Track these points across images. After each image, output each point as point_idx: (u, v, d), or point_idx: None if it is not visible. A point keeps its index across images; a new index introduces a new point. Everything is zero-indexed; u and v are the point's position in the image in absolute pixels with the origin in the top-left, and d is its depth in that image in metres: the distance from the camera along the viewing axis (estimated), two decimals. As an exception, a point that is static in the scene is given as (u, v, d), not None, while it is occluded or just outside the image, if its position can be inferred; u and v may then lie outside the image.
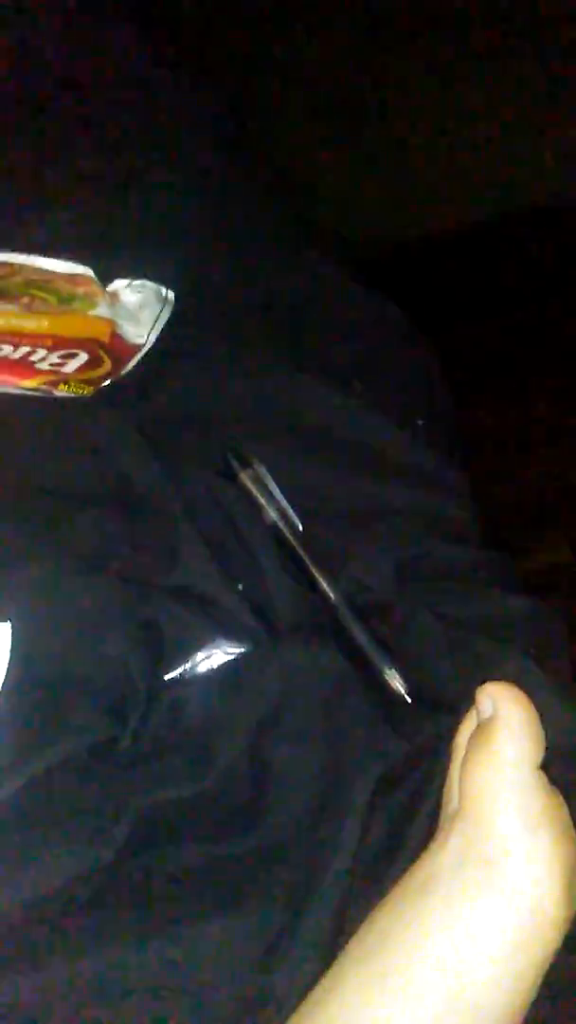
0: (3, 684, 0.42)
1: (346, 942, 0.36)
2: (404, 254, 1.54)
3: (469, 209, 1.58)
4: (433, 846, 0.37)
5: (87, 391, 0.54)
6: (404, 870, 0.37)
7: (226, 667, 0.45)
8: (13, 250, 0.69)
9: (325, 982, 0.35)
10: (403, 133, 1.54)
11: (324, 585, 0.49)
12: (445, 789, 0.39)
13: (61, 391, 0.53)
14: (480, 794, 0.35)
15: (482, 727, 0.37)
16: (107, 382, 0.56)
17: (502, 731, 0.36)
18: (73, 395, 0.54)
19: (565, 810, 0.36)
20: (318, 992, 0.35)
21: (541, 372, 1.41)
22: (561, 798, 0.36)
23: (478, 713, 0.38)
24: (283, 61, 1.48)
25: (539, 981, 0.34)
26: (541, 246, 1.55)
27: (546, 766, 0.38)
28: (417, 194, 1.57)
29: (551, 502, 1.31)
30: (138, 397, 0.57)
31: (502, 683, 0.37)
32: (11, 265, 0.67)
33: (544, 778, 0.36)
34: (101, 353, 0.57)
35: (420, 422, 0.66)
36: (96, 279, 0.66)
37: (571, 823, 0.36)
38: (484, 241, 1.58)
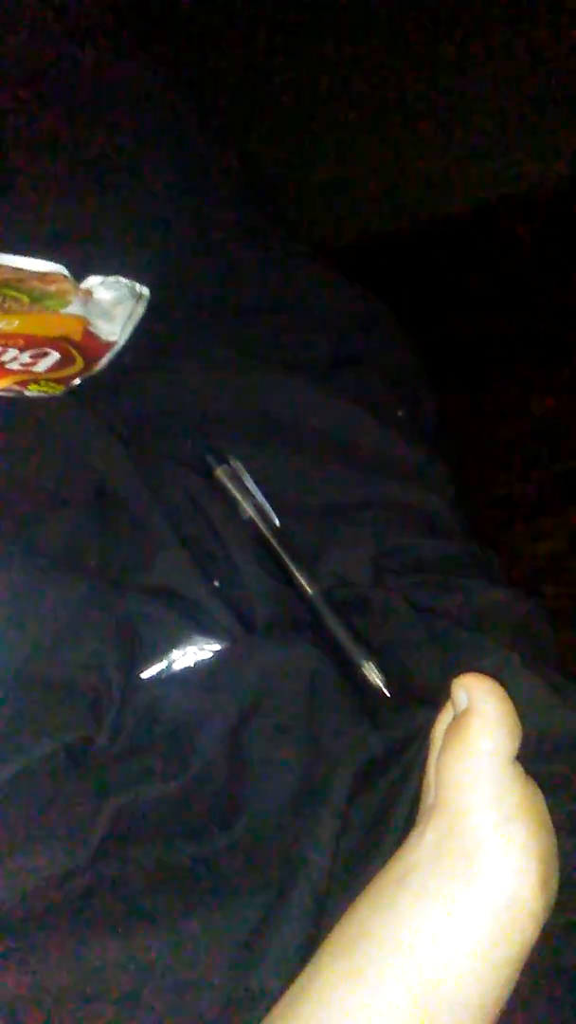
0: (-23, 687, 0.42)
1: (326, 935, 0.36)
2: (399, 243, 1.54)
3: (463, 196, 1.57)
4: (410, 839, 0.36)
5: (58, 390, 0.54)
6: (384, 863, 0.37)
7: (203, 664, 0.45)
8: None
9: (304, 976, 0.35)
10: (397, 121, 1.54)
11: (301, 580, 0.49)
12: (424, 782, 0.39)
13: (32, 391, 0.53)
14: (455, 786, 0.35)
15: (457, 719, 0.37)
16: (78, 380, 0.55)
17: (476, 723, 0.36)
18: (44, 394, 0.53)
19: (541, 801, 0.36)
20: (298, 986, 0.35)
21: (540, 359, 1.41)
22: (537, 789, 0.36)
23: (453, 705, 0.38)
24: (279, 53, 1.47)
25: (517, 973, 0.34)
26: (536, 232, 1.54)
27: (526, 756, 0.38)
28: (412, 182, 1.56)
29: (550, 491, 1.31)
30: (112, 394, 0.57)
31: (477, 675, 0.37)
32: (-16, 265, 0.66)
33: (520, 769, 0.36)
34: (73, 351, 0.57)
35: (401, 413, 0.66)
36: (70, 276, 0.66)
37: (548, 814, 0.36)
38: (480, 229, 1.58)
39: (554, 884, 0.35)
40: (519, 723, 0.37)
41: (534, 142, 1.56)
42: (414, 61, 1.51)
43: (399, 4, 1.45)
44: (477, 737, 0.35)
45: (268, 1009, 0.35)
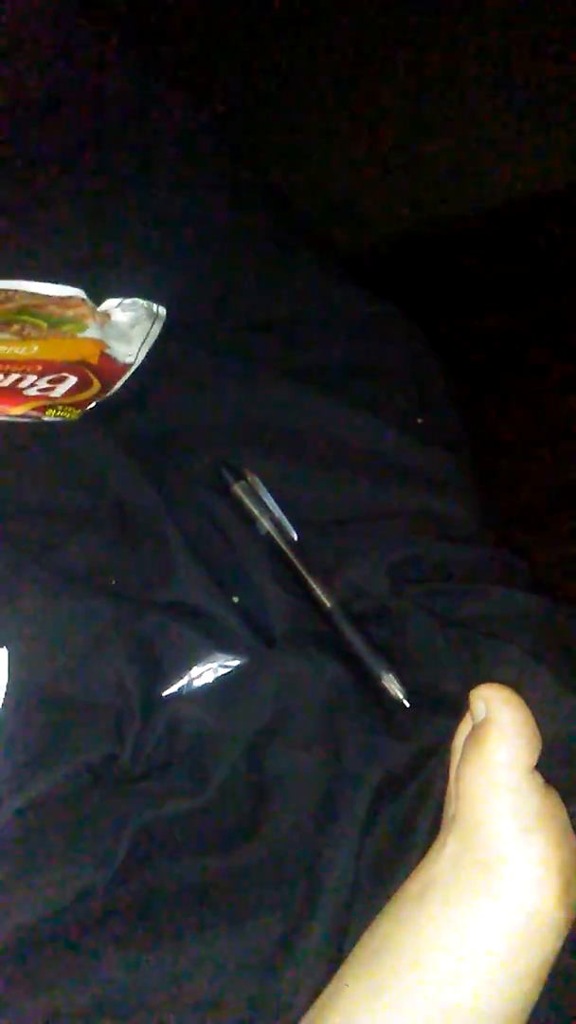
0: (1, 708, 0.43)
1: (350, 950, 0.36)
2: (414, 246, 1.54)
3: (476, 199, 1.56)
4: (431, 852, 0.36)
5: (74, 414, 0.55)
6: (407, 876, 0.37)
7: (223, 680, 0.45)
8: (7, 276, 0.70)
9: (328, 992, 0.35)
10: (409, 122, 1.53)
11: (319, 593, 0.49)
12: (446, 793, 0.39)
13: (49, 416, 0.54)
14: (474, 798, 0.35)
15: (475, 730, 0.37)
16: (93, 403, 0.56)
17: (494, 734, 0.36)
18: (61, 419, 0.54)
19: (562, 811, 0.36)
20: (321, 1001, 0.35)
21: (555, 359, 1.40)
22: (558, 799, 0.36)
23: (472, 716, 0.38)
24: (286, 56, 1.47)
25: (541, 984, 0.33)
26: (551, 235, 1.53)
27: (549, 763, 0.37)
28: (432, 181, 1.55)
29: (568, 491, 1.29)
30: (129, 415, 0.57)
31: (495, 685, 0.37)
32: (5, 292, 0.68)
33: (539, 779, 0.36)
34: (90, 375, 0.57)
35: (420, 420, 0.66)
36: (88, 300, 0.67)
37: (569, 824, 0.36)
38: (493, 231, 1.57)
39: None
40: (538, 733, 0.36)
41: (560, 137, 1.54)
42: (428, 60, 1.50)
43: (409, 9, 1.45)
44: (495, 748, 0.35)
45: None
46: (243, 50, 1.45)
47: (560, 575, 1.16)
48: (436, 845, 0.36)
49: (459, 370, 0.78)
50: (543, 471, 1.28)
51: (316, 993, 0.36)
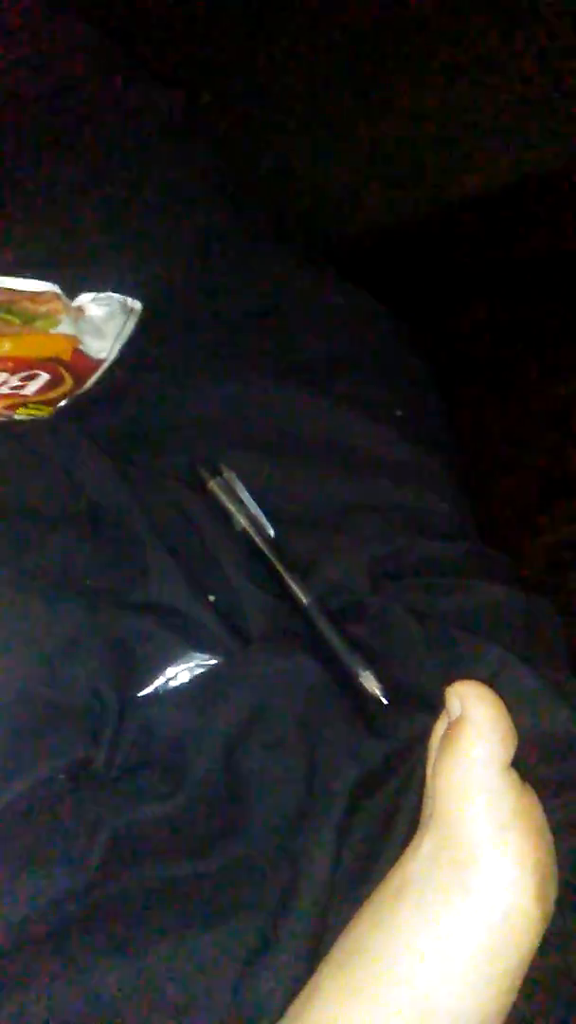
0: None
1: (327, 950, 0.36)
2: (401, 237, 1.53)
3: (463, 188, 1.55)
4: (408, 850, 0.36)
5: (46, 412, 0.54)
6: (384, 875, 0.37)
7: (199, 680, 0.45)
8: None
9: (305, 992, 0.35)
10: (402, 108, 1.52)
11: (296, 590, 0.48)
12: (423, 791, 0.39)
13: (20, 414, 0.53)
14: (449, 796, 0.35)
15: (451, 727, 0.37)
16: (64, 401, 0.55)
17: (469, 731, 0.35)
18: (32, 417, 0.54)
19: (538, 808, 0.35)
20: (299, 1002, 0.35)
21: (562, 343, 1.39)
22: (534, 796, 0.36)
23: (447, 713, 0.37)
24: (276, 45, 1.46)
25: (518, 983, 0.33)
26: (539, 223, 1.52)
27: (528, 758, 0.37)
28: (421, 169, 1.54)
29: (557, 481, 1.29)
30: (102, 411, 0.57)
31: (470, 682, 0.37)
32: (-23, 288, 0.67)
33: (515, 776, 0.35)
34: (62, 371, 0.57)
35: (399, 413, 0.65)
36: (62, 294, 0.66)
37: (545, 821, 0.35)
38: (497, 213, 1.55)
39: (552, 892, 0.34)
40: (513, 729, 0.36)
41: (549, 123, 1.53)
42: (420, 49, 1.49)
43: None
44: (470, 746, 0.35)
45: (270, 1026, 0.35)
46: (233, 38, 1.44)
47: (548, 565, 1.17)
48: (412, 844, 0.36)
49: (447, 361, 0.78)
50: (532, 462, 1.28)
51: (294, 994, 0.35)
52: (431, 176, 1.55)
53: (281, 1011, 0.35)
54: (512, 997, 0.33)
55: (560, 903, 0.35)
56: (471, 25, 1.47)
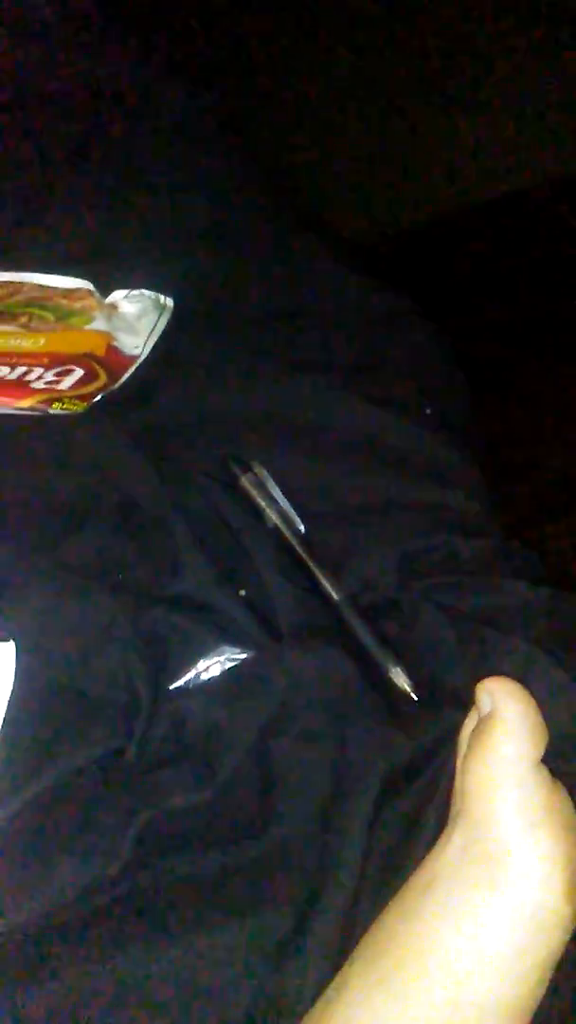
0: (8, 702, 0.43)
1: (356, 943, 0.36)
2: (418, 238, 1.53)
3: (480, 189, 1.55)
4: (437, 846, 0.36)
5: (81, 407, 0.55)
6: (413, 870, 0.37)
7: (230, 673, 0.45)
8: (14, 268, 0.70)
9: (333, 985, 0.35)
10: (421, 109, 1.52)
11: (327, 586, 0.49)
12: (453, 787, 0.39)
13: (55, 409, 0.54)
14: (479, 792, 0.35)
15: (481, 724, 0.37)
16: (99, 396, 0.56)
17: (500, 727, 0.35)
18: (67, 412, 0.54)
19: (569, 804, 0.35)
20: (327, 993, 0.35)
21: (564, 348, 1.39)
22: (564, 792, 0.36)
23: (478, 709, 0.37)
24: (290, 47, 1.46)
25: (547, 979, 0.33)
26: (557, 224, 1.51)
27: (556, 756, 0.37)
28: (429, 176, 1.54)
29: (572, 482, 1.28)
30: (135, 407, 0.57)
31: (500, 678, 0.37)
32: (12, 284, 0.68)
33: (546, 773, 0.36)
34: (96, 367, 0.57)
35: (428, 411, 0.65)
36: (95, 291, 0.67)
37: (575, 817, 0.35)
38: (498, 222, 1.55)
39: (583, 890, 0.34)
40: (544, 726, 0.36)
41: (557, 127, 1.52)
42: (434, 50, 1.49)
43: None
44: (500, 742, 0.35)
45: (298, 1017, 0.35)
46: (246, 41, 1.45)
47: (573, 564, 1.16)
48: (442, 839, 0.36)
49: (467, 362, 0.78)
50: (553, 462, 1.27)
51: (322, 986, 0.36)
52: (437, 180, 1.55)
53: (310, 1002, 0.35)
54: (541, 992, 0.33)
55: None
56: (479, 28, 1.47)
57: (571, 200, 1.53)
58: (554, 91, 1.49)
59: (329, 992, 0.35)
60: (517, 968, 0.32)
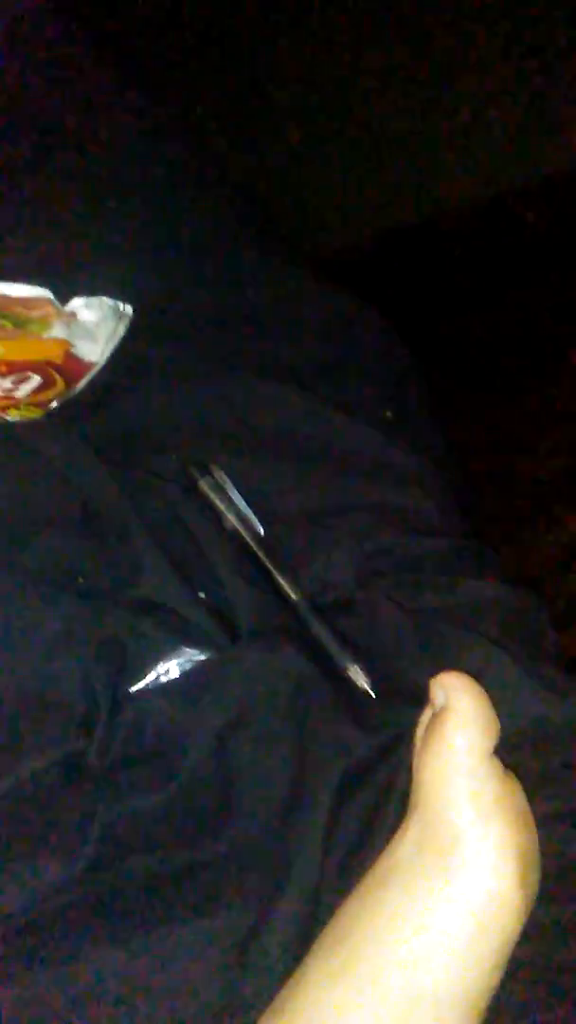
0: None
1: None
2: (397, 243, 1.53)
3: (459, 194, 1.56)
4: (394, 838, 0.37)
5: (38, 413, 0.55)
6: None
7: (189, 675, 0.46)
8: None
9: (294, 976, 0.35)
10: (394, 116, 1.53)
11: (285, 587, 0.49)
12: (411, 782, 0.39)
13: (12, 416, 0.54)
14: (433, 784, 0.36)
15: (434, 718, 0.37)
16: (55, 403, 0.56)
17: (452, 720, 0.36)
18: (24, 419, 0.54)
19: (521, 796, 0.36)
20: (288, 987, 0.35)
21: (555, 348, 1.40)
22: (517, 784, 0.37)
23: (432, 704, 0.38)
24: (276, 46, 1.46)
25: (501, 967, 0.34)
26: (547, 223, 1.53)
27: (512, 751, 0.38)
28: (416, 178, 1.55)
29: (553, 484, 1.30)
30: (95, 413, 0.57)
31: (453, 673, 0.38)
32: (-29, 293, 0.68)
33: (498, 764, 0.36)
34: (53, 374, 0.58)
35: (389, 414, 0.66)
36: (54, 300, 0.67)
37: (527, 809, 0.36)
38: (490, 221, 1.56)
39: (534, 878, 0.35)
40: (496, 719, 0.37)
41: (550, 129, 1.54)
42: (417, 54, 1.49)
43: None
44: (452, 734, 0.36)
45: (259, 1013, 0.35)
46: (230, 42, 1.45)
47: (546, 567, 1.18)
48: (399, 832, 0.37)
49: (445, 366, 0.79)
50: (527, 466, 1.29)
51: (283, 981, 0.36)
52: (428, 182, 1.56)
53: (270, 999, 0.36)
54: (495, 979, 0.34)
55: (543, 894, 0.36)
56: (472, 28, 1.48)
57: (554, 205, 1.55)
58: (544, 95, 1.51)
59: (288, 986, 0.35)
60: (471, 956, 0.33)
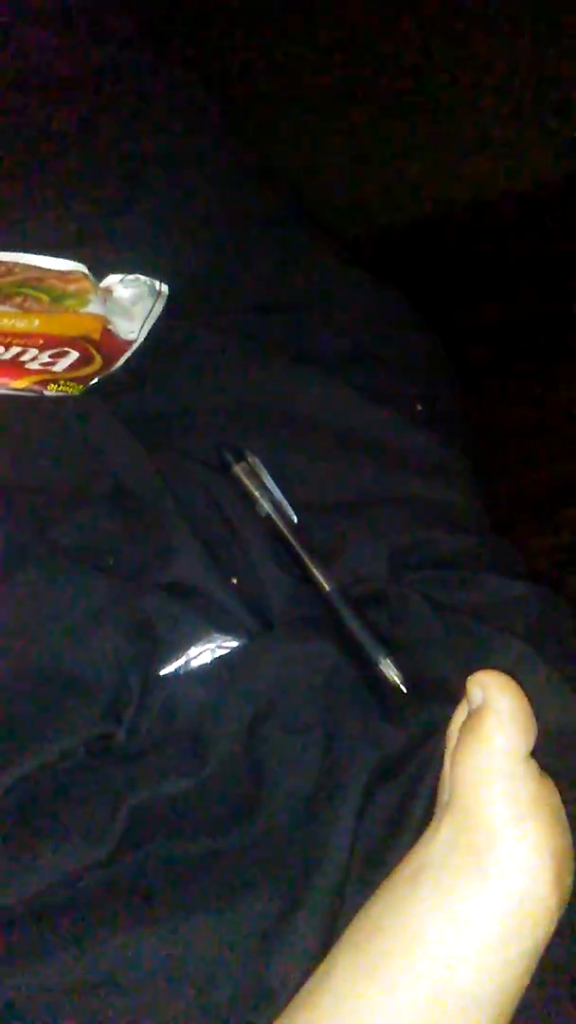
0: (-3, 684, 0.43)
1: (342, 932, 0.36)
2: (413, 235, 1.53)
3: (476, 187, 1.55)
4: (425, 835, 0.37)
5: (76, 389, 0.54)
6: (400, 860, 0.37)
7: (220, 661, 0.45)
8: (8, 248, 0.70)
9: (319, 972, 0.35)
10: (400, 112, 1.52)
11: (318, 576, 0.49)
12: (440, 778, 0.39)
13: (51, 391, 0.54)
14: (469, 783, 0.35)
15: (472, 716, 0.37)
16: (96, 379, 0.56)
17: (491, 720, 0.36)
18: (62, 394, 0.54)
19: (556, 797, 0.36)
20: (313, 981, 0.35)
21: (568, 345, 1.39)
22: (552, 785, 0.36)
23: (469, 702, 0.38)
24: (279, 46, 1.46)
25: (532, 969, 0.34)
26: (550, 225, 1.52)
27: (544, 752, 0.38)
28: (423, 173, 1.54)
29: (569, 481, 1.29)
30: (130, 392, 0.57)
31: (492, 671, 0.37)
32: (5, 264, 0.67)
33: (534, 765, 0.36)
34: (92, 350, 0.57)
35: (419, 407, 0.66)
36: (89, 275, 0.66)
37: (562, 810, 0.36)
38: (495, 219, 1.56)
39: (569, 881, 0.35)
40: (534, 719, 0.36)
41: (556, 127, 1.53)
42: (432, 46, 1.49)
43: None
44: (491, 734, 0.35)
45: (283, 1004, 0.35)
46: (242, 35, 1.44)
47: (559, 565, 1.18)
48: (430, 829, 0.37)
49: (459, 360, 0.78)
50: (543, 462, 1.28)
51: (307, 974, 0.36)
52: (437, 178, 1.55)
53: (294, 990, 0.36)
54: (525, 982, 0.33)
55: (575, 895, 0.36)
56: (476, 28, 1.47)
57: (562, 202, 1.54)
58: (551, 92, 1.50)
59: (314, 979, 0.35)
60: (503, 957, 0.33)
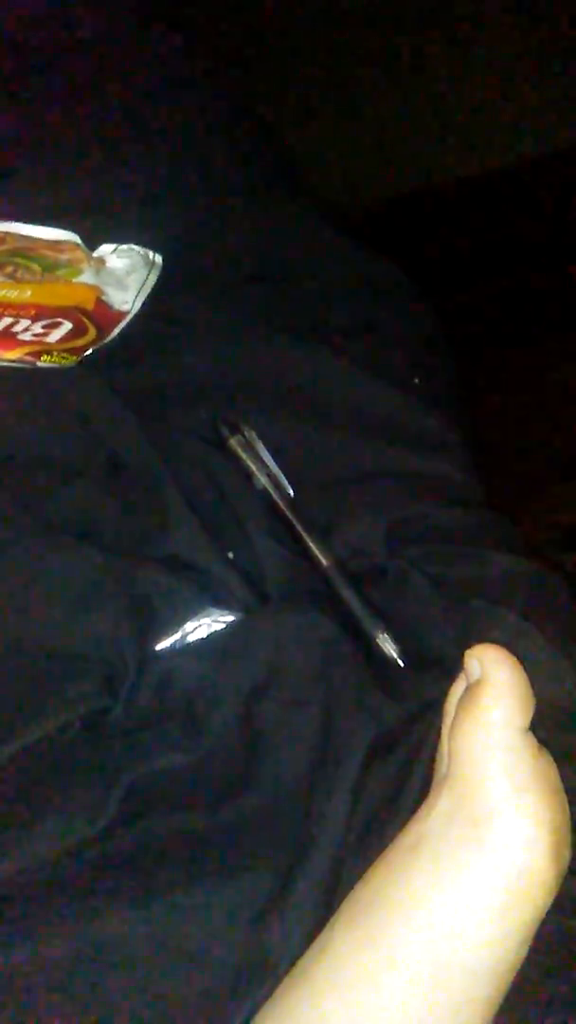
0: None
1: (339, 905, 0.37)
2: (405, 212, 1.51)
3: (470, 163, 1.54)
4: (424, 807, 0.37)
5: (70, 360, 0.54)
6: (397, 833, 0.37)
7: (217, 635, 0.45)
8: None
9: (318, 943, 0.36)
10: (400, 85, 1.50)
11: (315, 550, 0.48)
12: (437, 752, 0.39)
13: (44, 362, 0.53)
14: (467, 756, 0.35)
15: (470, 689, 0.37)
16: (90, 351, 0.55)
17: (489, 693, 0.36)
18: (56, 365, 0.53)
19: (554, 770, 0.36)
20: (311, 953, 0.35)
21: (568, 322, 1.38)
22: (550, 758, 0.36)
23: (467, 676, 0.38)
24: (273, 19, 1.44)
25: (529, 940, 0.34)
26: (545, 201, 1.51)
27: (540, 726, 0.38)
28: (416, 146, 1.53)
29: (561, 462, 1.29)
30: (125, 364, 0.56)
31: (490, 645, 0.37)
32: (-4, 234, 0.66)
33: (532, 739, 0.36)
34: (85, 321, 0.56)
35: (417, 381, 0.65)
36: (82, 245, 0.65)
37: (560, 783, 0.36)
38: (493, 192, 1.54)
39: (566, 853, 0.35)
40: (531, 693, 0.36)
41: (554, 102, 1.51)
42: (428, 20, 1.47)
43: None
44: (489, 707, 0.35)
45: (281, 976, 0.35)
46: (231, 16, 1.41)
47: (555, 542, 1.17)
48: (428, 802, 0.37)
49: (453, 336, 0.78)
50: (540, 439, 1.28)
51: (305, 947, 0.36)
52: (432, 154, 1.53)
53: (293, 962, 0.36)
54: (523, 953, 0.34)
55: (572, 868, 0.36)
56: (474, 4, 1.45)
57: (560, 176, 1.53)
58: (547, 69, 1.48)
59: (313, 951, 0.35)
60: (501, 928, 0.33)
